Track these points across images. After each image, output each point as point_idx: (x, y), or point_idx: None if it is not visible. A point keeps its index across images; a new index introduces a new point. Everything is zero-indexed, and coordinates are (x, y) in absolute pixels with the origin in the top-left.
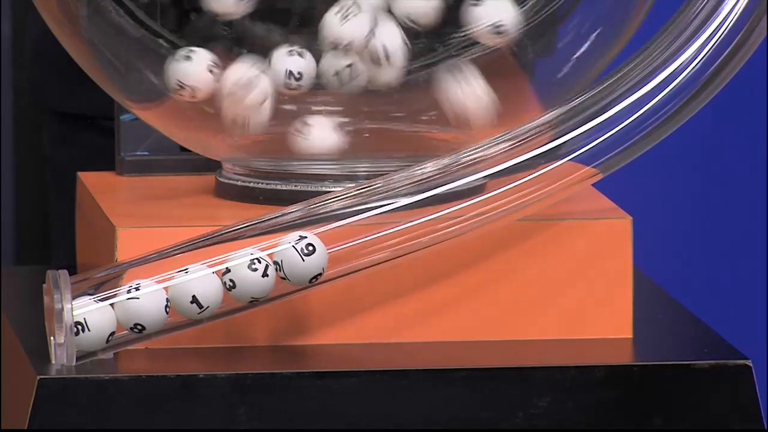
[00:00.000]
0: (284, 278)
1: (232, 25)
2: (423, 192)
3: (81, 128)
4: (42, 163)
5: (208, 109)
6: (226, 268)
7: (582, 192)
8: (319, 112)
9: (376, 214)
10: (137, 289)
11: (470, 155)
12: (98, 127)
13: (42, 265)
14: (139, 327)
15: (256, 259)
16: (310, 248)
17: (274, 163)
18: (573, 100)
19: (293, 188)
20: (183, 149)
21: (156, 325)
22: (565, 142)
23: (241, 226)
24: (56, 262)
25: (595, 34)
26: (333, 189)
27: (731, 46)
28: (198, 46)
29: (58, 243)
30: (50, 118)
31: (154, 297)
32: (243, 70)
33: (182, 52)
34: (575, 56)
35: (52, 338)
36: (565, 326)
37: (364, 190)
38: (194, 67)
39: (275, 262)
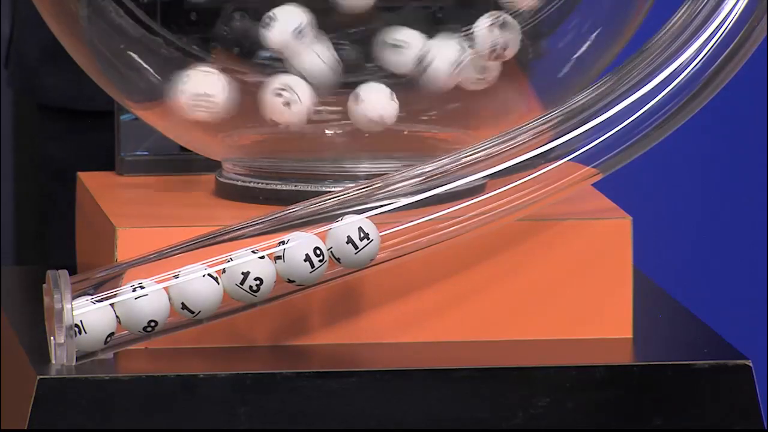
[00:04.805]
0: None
1: (232, 26)
2: (423, 192)
3: (81, 125)
4: (41, 162)
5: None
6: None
7: (582, 192)
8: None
9: (376, 214)
10: (141, 287)
11: (470, 155)
12: (98, 124)
13: (42, 265)
14: (153, 324)
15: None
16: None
17: (274, 163)
18: (573, 100)
19: (293, 188)
20: (183, 149)
21: (166, 321)
22: (565, 142)
23: (241, 226)
24: (54, 262)
25: (595, 34)
26: (333, 189)
27: (731, 46)
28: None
29: (56, 242)
30: (49, 116)
31: (161, 293)
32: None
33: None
34: (575, 56)
35: (52, 338)
36: (565, 326)
37: (364, 190)
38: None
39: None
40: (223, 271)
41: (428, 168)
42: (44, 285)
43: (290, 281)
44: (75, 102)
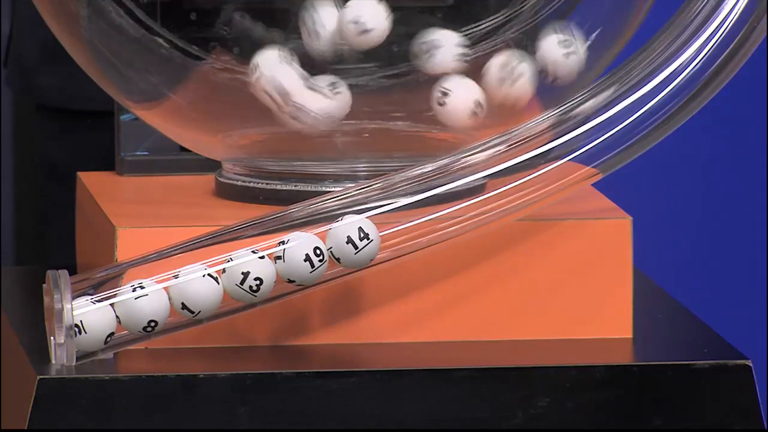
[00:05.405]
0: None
1: (232, 26)
2: (423, 192)
3: (81, 126)
4: (41, 162)
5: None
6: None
7: (582, 192)
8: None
9: (376, 214)
10: (141, 287)
11: (470, 155)
12: (97, 124)
13: (42, 265)
14: (153, 324)
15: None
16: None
17: (274, 163)
18: (573, 100)
19: (293, 188)
20: (183, 149)
21: (166, 321)
22: (565, 142)
23: (241, 226)
24: (54, 262)
25: (595, 34)
26: (333, 189)
27: (731, 46)
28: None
29: (56, 243)
30: (48, 116)
31: (161, 293)
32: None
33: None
34: None
35: (52, 338)
36: (565, 326)
37: (364, 190)
38: None
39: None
40: (223, 271)
41: (428, 168)
42: (44, 285)
43: (290, 281)
44: (74, 102)
